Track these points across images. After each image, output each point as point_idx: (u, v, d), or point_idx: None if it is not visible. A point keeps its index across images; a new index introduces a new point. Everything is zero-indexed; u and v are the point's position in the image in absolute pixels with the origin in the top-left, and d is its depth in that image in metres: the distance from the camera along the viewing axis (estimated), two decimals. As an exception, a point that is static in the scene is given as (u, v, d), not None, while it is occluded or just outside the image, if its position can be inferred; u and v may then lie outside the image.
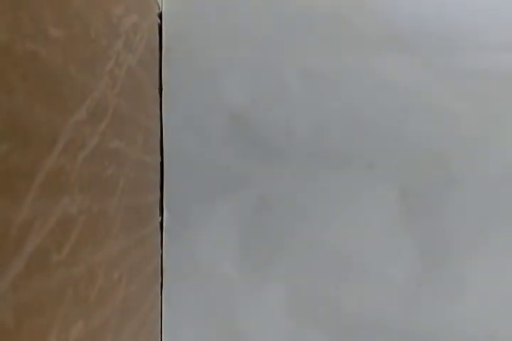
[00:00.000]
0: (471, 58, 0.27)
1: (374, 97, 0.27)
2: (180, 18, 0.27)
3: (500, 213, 0.27)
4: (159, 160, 0.27)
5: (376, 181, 0.27)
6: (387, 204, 0.27)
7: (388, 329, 0.27)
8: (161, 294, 0.27)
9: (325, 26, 0.27)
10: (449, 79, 0.27)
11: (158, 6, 0.27)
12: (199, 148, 0.27)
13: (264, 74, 0.27)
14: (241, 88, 0.27)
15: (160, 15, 0.27)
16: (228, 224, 0.27)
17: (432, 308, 0.26)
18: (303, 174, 0.27)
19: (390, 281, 0.26)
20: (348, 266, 0.27)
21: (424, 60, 0.27)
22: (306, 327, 0.23)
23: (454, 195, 0.25)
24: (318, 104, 0.27)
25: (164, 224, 0.27)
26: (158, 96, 0.27)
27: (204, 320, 0.27)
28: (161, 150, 0.27)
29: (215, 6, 0.27)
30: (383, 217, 0.27)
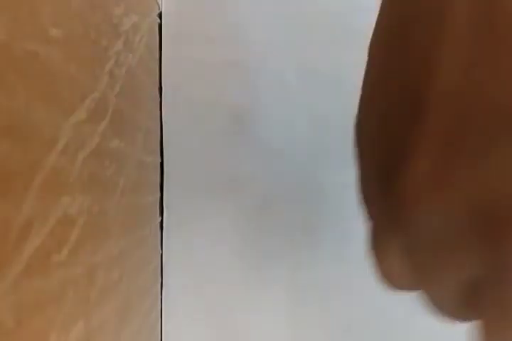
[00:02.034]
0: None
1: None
2: (180, 18, 0.27)
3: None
4: (159, 160, 0.27)
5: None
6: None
7: (388, 330, 0.27)
8: (161, 294, 0.27)
9: (325, 26, 0.27)
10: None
11: (158, 6, 0.27)
12: (199, 148, 0.27)
13: (264, 74, 0.27)
14: (241, 88, 0.27)
15: (160, 16, 0.27)
16: (228, 224, 0.27)
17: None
18: (303, 174, 0.27)
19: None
20: (348, 265, 0.27)
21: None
22: (306, 327, 0.23)
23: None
24: (318, 104, 0.27)
25: (164, 224, 0.27)
26: (158, 96, 0.27)
27: (204, 320, 0.27)
28: (161, 150, 0.27)
29: (215, 6, 0.27)
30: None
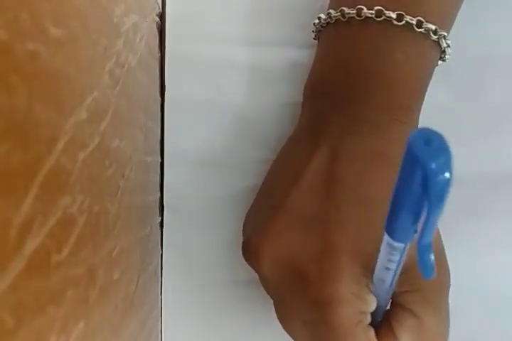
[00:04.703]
0: (472, 57, 0.27)
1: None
2: (180, 18, 0.27)
3: (499, 212, 0.27)
4: (159, 160, 0.27)
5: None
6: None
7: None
8: (161, 294, 0.27)
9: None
10: (449, 77, 0.27)
11: (158, 6, 0.27)
12: (199, 148, 0.27)
13: (264, 74, 0.27)
14: (241, 88, 0.27)
15: (160, 16, 0.27)
16: (228, 224, 0.27)
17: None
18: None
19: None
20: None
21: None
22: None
23: (454, 194, 0.25)
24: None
25: (164, 224, 0.27)
26: (158, 96, 0.27)
27: (204, 320, 0.27)
28: (161, 150, 0.27)
29: (215, 6, 0.27)
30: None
